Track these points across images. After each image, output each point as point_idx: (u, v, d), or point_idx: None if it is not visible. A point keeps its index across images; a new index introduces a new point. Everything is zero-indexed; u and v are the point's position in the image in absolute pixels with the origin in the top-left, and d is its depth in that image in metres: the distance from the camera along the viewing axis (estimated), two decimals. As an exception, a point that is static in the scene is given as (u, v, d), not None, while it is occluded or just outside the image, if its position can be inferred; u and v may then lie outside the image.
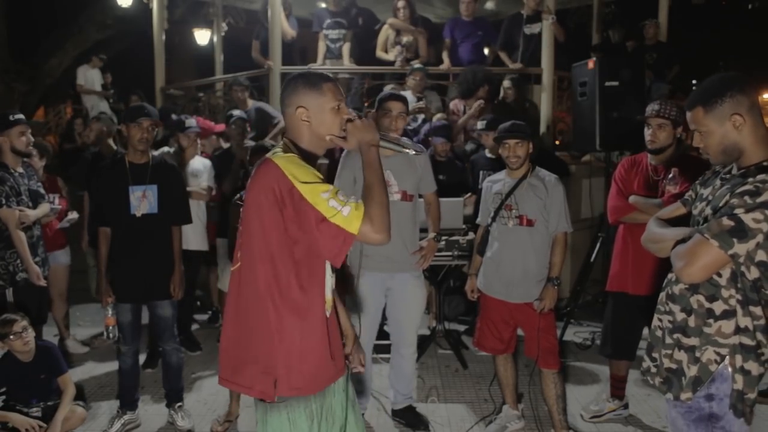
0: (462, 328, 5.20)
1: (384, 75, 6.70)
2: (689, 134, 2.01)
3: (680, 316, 1.95)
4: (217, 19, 9.04)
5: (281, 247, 1.79)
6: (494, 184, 3.37)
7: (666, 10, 7.48)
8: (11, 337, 3.33)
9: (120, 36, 11.44)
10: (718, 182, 1.98)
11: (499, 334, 3.33)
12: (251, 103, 6.10)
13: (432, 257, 3.45)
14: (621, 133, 4.55)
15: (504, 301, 3.27)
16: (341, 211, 1.71)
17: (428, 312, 5.02)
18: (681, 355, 1.94)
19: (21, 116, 3.77)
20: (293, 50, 7.55)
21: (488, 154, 4.95)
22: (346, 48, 6.64)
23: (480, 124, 4.98)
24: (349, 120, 1.88)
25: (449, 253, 4.34)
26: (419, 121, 5.77)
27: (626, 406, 3.66)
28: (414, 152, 2.07)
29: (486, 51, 7.12)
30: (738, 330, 1.86)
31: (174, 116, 5.25)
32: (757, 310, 1.85)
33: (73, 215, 4.65)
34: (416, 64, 6.13)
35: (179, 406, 3.63)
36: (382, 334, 3.96)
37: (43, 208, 3.87)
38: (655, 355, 2.05)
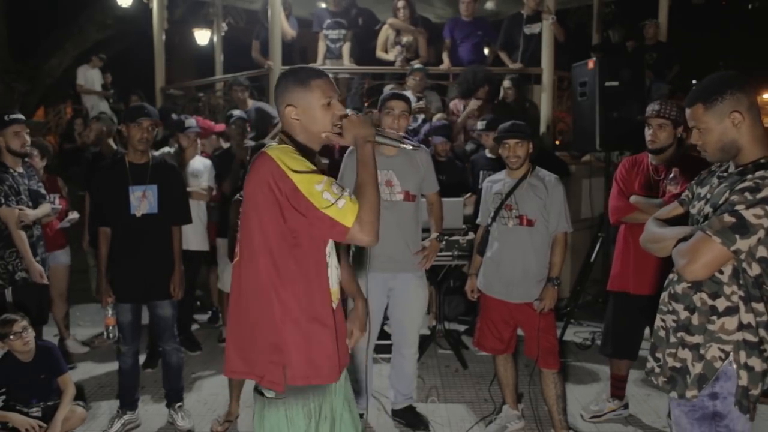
0: (462, 328, 5.20)
1: (384, 75, 6.70)
2: (689, 134, 2.02)
3: (684, 314, 1.96)
4: (217, 19, 9.04)
5: (280, 238, 1.78)
6: (494, 184, 3.37)
7: (666, 10, 7.48)
8: (11, 337, 3.33)
9: (120, 36, 11.44)
10: (715, 181, 2.00)
11: (499, 334, 3.33)
12: (251, 103, 6.10)
13: (434, 257, 3.45)
14: (621, 133, 4.55)
15: (504, 301, 3.27)
16: (335, 203, 1.71)
17: (428, 312, 5.02)
18: (685, 354, 1.95)
19: (17, 116, 3.75)
20: (293, 50, 7.54)
21: (488, 154, 4.95)
22: (346, 48, 6.64)
23: (480, 125, 4.98)
24: (344, 116, 1.86)
25: (449, 253, 4.34)
26: (419, 121, 5.77)
27: (626, 406, 3.66)
28: (411, 147, 2.07)
29: (486, 51, 7.12)
30: (741, 326, 1.87)
31: (174, 116, 5.25)
32: (760, 307, 1.87)
33: (74, 215, 4.65)
34: (416, 64, 6.13)
35: (179, 406, 3.63)
36: (383, 334, 3.96)
37: (44, 208, 3.87)
38: (659, 355, 2.06)
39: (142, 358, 3.94)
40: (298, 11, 7.44)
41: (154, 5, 7.98)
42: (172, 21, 8.93)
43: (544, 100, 6.65)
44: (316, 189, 1.71)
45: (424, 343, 4.56)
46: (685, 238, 1.91)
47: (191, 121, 4.75)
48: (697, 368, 1.92)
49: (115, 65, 10.61)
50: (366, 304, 2.22)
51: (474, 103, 5.75)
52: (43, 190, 3.94)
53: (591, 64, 4.74)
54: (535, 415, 3.53)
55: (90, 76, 9.48)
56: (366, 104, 6.53)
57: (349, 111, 1.90)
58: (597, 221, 5.53)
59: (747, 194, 1.79)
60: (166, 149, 4.94)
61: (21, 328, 3.34)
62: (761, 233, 1.77)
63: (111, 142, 5.16)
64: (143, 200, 3.37)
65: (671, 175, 3.19)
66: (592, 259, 5.06)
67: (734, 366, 1.87)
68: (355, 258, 3.35)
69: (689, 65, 10.46)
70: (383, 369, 4.00)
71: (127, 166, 3.41)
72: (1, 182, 3.59)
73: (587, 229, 5.68)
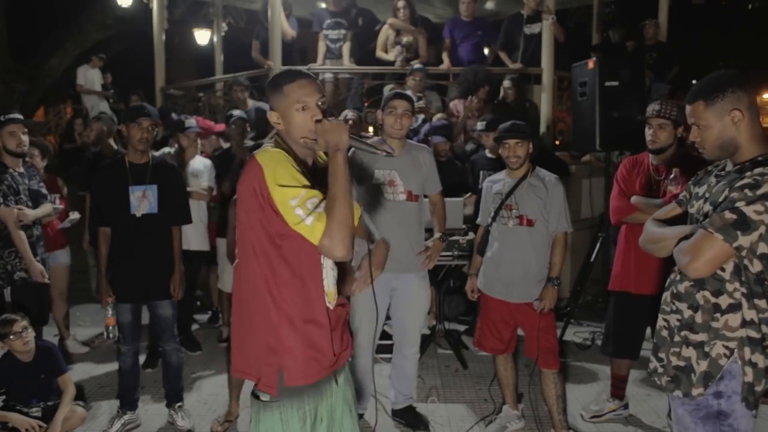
0: (462, 328, 5.20)
1: (384, 75, 6.70)
2: (690, 134, 2.04)
3: (687, 313, 1.97)
4: (217, 19, 9.04)
5: (271, 242, 1.79)
6: (494, 184, 3.37)
7: (666, 10, 7.48)
8: (11, 337, 3.33)
9: (120, 36, 11.43)
10: (713, 180, 2.02)
11: (499, 334, 3.33)
12: (251, 103, 6.10)
13: (437, 257, 3.44)
14: (621, 133, 4.55)
15: (504, 301, 3.27)
16: (304, 220, 1.70)
17: (428, 312, 5.02)
18: (689, 352, 1.96)
19: (14, 116, 3.73)
20: (293, 50, 7.54)
21: (488, 154, 4.95)
22: (346, 48, 6.63)
23: (480, 125, 4.98)
24: (317, 120, 1.81)
25: (449, 253, 4.34)
26: (419, 121, 5.77)
27: (626, 406, 3.66)
28: (385, 154, 1.99)
29: (486, 51, 7.12)
30: (744, 323, 1.88)
31: (174, 116, 5.25)
32: (762, 303, 1.88)
33: (75, 216, 4.65)
34: (416, 64, 6.13)
35: (179, 406, 3.63)
36: (383, 335, 3.96)
37: (45, 208, 3.86)
38: (662, 355, 2.06)
39: (142, 358, 3.94)
40: (298, 11, 7.44)
41: (154, 5, 7.98)
42: (172, 21, 8.92)
43: (544, 100, 6.65)
44: (290, 204, 1.71)
45: (424, 343, 4.54)
46: (686, 237, 1.92)
47: (191, 121, 4.75)
48: (702, 366, 1.93)
49: (115, 65, 10.61)
50: (387, 246, 2.09)
51: (470, 99, 5.74)
52: (44, 190, 3.93)
53: (591, 64, 4.74)
54: (535, 415, 3.53)
55: (90, 76, 9.48)
56: (366, 104, 6.53)
57: (333, 118, 1.84)
58: (597, 221, 5.53)
59: (747, 191, 1.80)
60: (166, 149, 4.94)
61: (21, 328, 3.34)
62: (762, 229, 1.78)
63: (112, 142, 5.16)
64: (143, 200, 3.37)
65: (672, 176, 3.19)
66: (592, 259, 5.06)
67: (739, 363, 1.88)
68: (358, 259, 3.35)
69: (689, 65, 10.46)
70: (383, 369, 4.00)
71: (127, 166, 3.41)
72: (0, 182, 3.59)
73: (587, 229, 5.68)
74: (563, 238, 3.23)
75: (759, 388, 1.89)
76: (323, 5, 7.32)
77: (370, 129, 6.13)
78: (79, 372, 4.37)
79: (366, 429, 3.37)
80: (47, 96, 12.05)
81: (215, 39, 9.10)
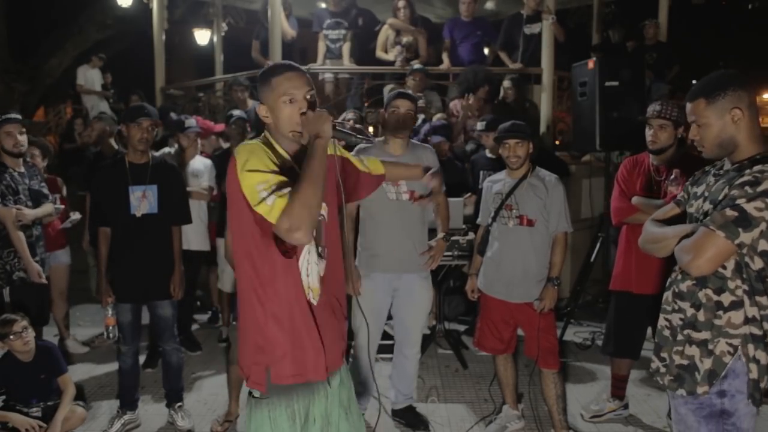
0: (462, 328, 5.20)
1: (384, 75, 6.71)
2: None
3: (690, 311, 1.98)
4: (217, 19, 9.04)
5: (252, 238, 1.78)
6: (494, 184, 3.37)
7: (666, 10, 7.48)
8: (11, 337, 3.33)
9: (120, 36, 11.44)
10: (711, 179, 2.03)
11: (499, 334, 3.33)
12: (251, 103, 6.09)
13: (441, 257, 3.44)
14: (621, 133, 4.55)
15: (504, 301, 3.27)
16: (266, 200, 1.66)
17: (429, 312, 5.02)
18: (693, 351, 1.96)
19: (11, 116, 3.73)
20: (293, 50, 7.53)
21: (488, 154, 4.95)
22: (346, 48, 6.64)
23: (480, 125, 4.98)
24: (302, 113, 1.81)
25: (449, 253, 4.34)
26: (419, 121, 5.77)
27: (626, 406, 3.66)
28: (365, 143, 2.07)
29: (486, 51, 7.12)
30: (747, 320, 1.89)
31: (174, 116, 5.25)
32: (763, 300, 1.89)
33: (76, 216, 4.64)
34: (416, 65, 6.14)
35: (179, 406, 3.63)
36: (384, 334, 3.95)
37: (45, 208, 3.86)
38: (664, 354, 2.07)
39: (142, 358, 3.94)
40: (298, 11, 7.45)
41: (154, 5, 7.98)
42: (172, 21, 8.93)
43: (544, 100, 6.65)
44: (256, 188, 1.68)
45: (425, 343, 4.54)
46: (687, 236, 1.93)
47: (191, 121, 4.75)
48: (706, 364, 1.93)
49: (115, 65, 10.61)
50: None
51: (467, 97, 5.74)
52: (45, 190, 3.93)
53: (591, 64, 4.74)
54: (535, 415, 3.53)
55: (90, 76, 9.48)
56: (366, 104, 6.53)
57: (320, 109, 1.83)
58: (597, 221, 5.53)
59: (747, 188, 1.81)
60: (166, 149, 4.94)
61: (21, 328, 3.34)
62: (763, 226, 1.79)
63: (112, 141, 5.16)
64: (143, 200, 3.37)
65: (672, 176, 3.19)
66: (592, 259, 5.06)
67: (743, 360, 1.89)
68: (361, 259, 3.35)
69: (689, 65, 10.47)
70: (384, 369, 4.00)
71: (127, 166, 3.41)
72: (-1, 181, 3.59)
73: (587, 229, 5.68)
74: (563, 238, 3.23)
75: (763, 385, 1.90)
76: (323, 5, 7.32)
77: (371, 129, 6.13)
78: (79, 372, 4.37)
79: (366, 429, 3.37)
80: (47, 96, 12.07)
81: (215, 39, 9.11)
